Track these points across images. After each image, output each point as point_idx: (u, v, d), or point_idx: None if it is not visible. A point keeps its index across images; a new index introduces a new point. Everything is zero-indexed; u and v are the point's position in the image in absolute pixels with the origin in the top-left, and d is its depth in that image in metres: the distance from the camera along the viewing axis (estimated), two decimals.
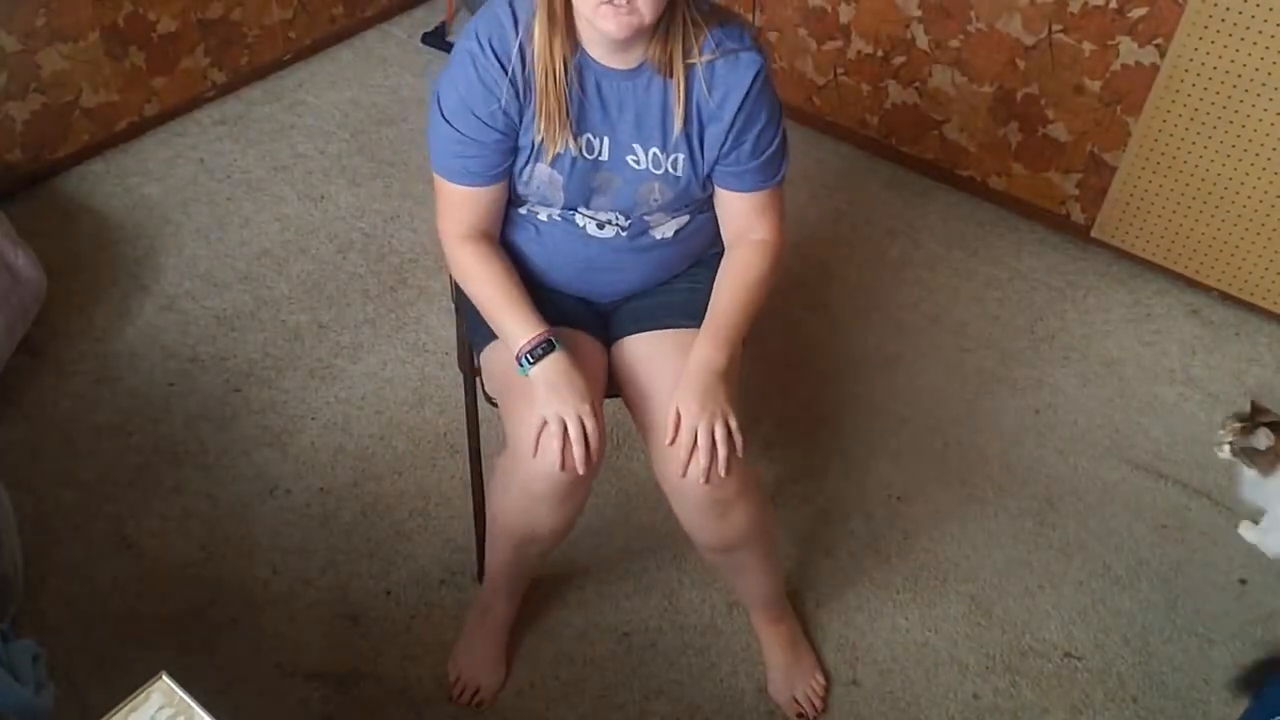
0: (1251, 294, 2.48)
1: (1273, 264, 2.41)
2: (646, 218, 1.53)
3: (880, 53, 2.77)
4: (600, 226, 1.53)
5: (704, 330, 1.49)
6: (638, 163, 1.46)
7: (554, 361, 1.43)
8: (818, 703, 1.79)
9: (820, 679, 1.81)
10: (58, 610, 1.85)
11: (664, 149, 1.46)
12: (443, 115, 1.44)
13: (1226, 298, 2.54)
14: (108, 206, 2.65)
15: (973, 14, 2.56)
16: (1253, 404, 1.92)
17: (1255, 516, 2.05)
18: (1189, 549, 2.06)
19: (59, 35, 2.56)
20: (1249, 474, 1.92)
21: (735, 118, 1.43)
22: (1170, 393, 2.36)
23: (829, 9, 2.79)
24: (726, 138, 1.45)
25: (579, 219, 1.53)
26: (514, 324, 1.46)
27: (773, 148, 1.48)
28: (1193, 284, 2.57)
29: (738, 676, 1.83)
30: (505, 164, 1.46)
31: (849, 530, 2.06)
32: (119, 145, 2.82)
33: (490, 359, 1.60)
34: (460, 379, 1.84)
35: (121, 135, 2.81)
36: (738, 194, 1.52)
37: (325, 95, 3.07)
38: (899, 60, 2.75)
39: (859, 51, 2.81)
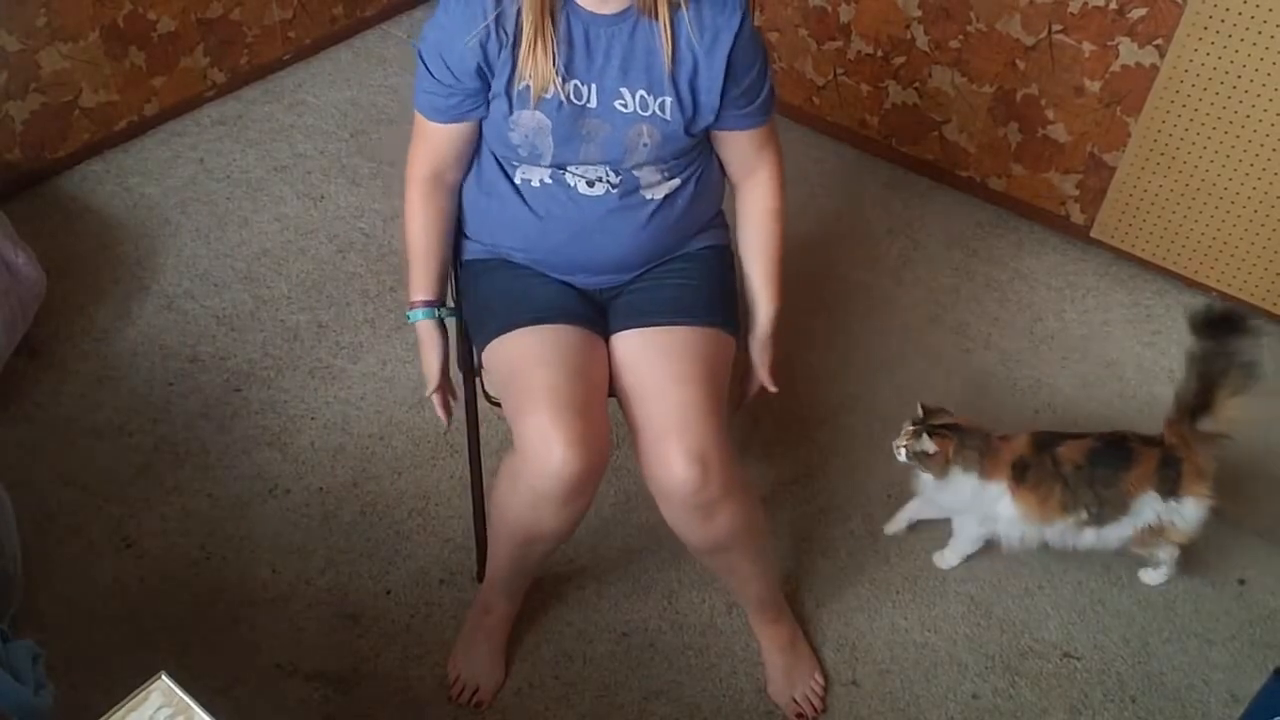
0: (1251, 295, 2.48)
1: (1272, 265, 2.41)
2: (636, 173, 1.55)
3: (880, 53, 2.78)
4: (590, 184, 1.54)
5: (760, 289, 1.69)
6: (625, 106, 1.48)
7: (425, 325, 1.65)
8: (817, 703, 1.79)
9: (819, 679, 1.81)
10: (57, 610, 1.85)
11: (650, 91, 1.48)
12: (421, 53, 1.49)
13: (1227, 299, 2.53)
14: (107, 206, 2.66)
15: (973, 14, 2.57)
16: (923, 406, 1.86)
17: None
18: (1188, 549, 2.05)
19: (59, 34, 2.56)
20: (926, 478, 1.84)
21: (730, 61, 1.47)
22: (1169, 393, 2.34)
23: (829, 9, 2.79)
24: (726, 83, 1.49)
25: (569, 178, 1.54)
26: (420, 277, 1.64)
27: (767, 88, 1.55)
28: (1192, 284, 2.57)
29: (737, 677, 1.83)
30: (470, 107, 1.51)
31: (849, 530, 2.06)
32: (119, 145, 2.82)
33: (493, 357, 1.60)
34: (460, 379, 1.84)
35: (121, 135, 2.81)
36: (740, 132, 1.59)
37: (325, 95, 3.07)
38: (899, 60, 2.75)
39: (859, 52, 2.81)
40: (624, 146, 1.50)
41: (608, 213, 1.56)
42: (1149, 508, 1.82)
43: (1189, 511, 1.82)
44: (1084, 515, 1.82)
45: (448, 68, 1.46)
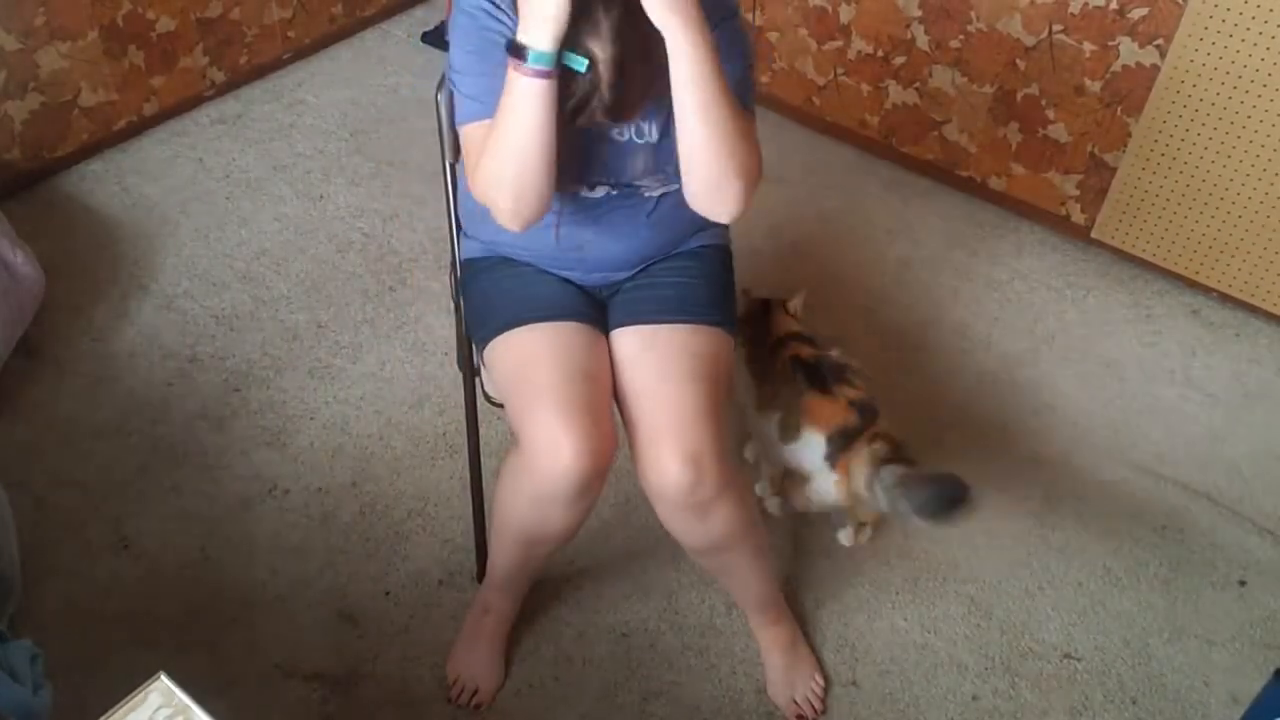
0: (1252, 295, 2.48)
1: (1273, 265, 2.41)
2: (637, 182, 1.55)
3: (881, 53, 2.77)
4: (591, 188, 1.54)
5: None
6: (621, 135, 1.48)
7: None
8: (817, 704, 1.79)
9: (819, 680, 1.81)
10: (56, 610, 1.85)
11: (645, 117, 1.47)
12: (458, 67, 1.44)
13: (1227, 298, 2.53)
14: (106, 206, 2.65)
15: (973, 14, 2.56)
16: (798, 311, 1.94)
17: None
18: (1188, 550, 2.05)
19: (58, 34, 2.56)
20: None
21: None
22: (1170, 393, 2.36)
23: (829, 9, 2.79)
24: None
25: (570, 184, 1.54)
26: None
27: (739, 77, 1.44)
28: (1193, 285, 2.57)
29: (737, 677, 1.83)
30: None
31: None
32: (118, 145, 2.81)
33: (495, 355, 1.59)
34: (459, 378, 1.84)
35: (120, 135, 2.81)
36: None
37: (324, 95, 3.07)
38: (899, 60, 2.75)
39: (859, 52, 2.81)
40: (622, 167, 1.51)
41: (608, 209, 1.56)
42: (812, 449, 1.78)
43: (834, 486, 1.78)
44: (775, 419, 1.81)
45: (491, 55, 1.39)
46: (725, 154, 1.39)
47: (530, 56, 1.30)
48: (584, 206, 1.56)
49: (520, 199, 1.40)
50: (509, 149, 1.37)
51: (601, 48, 1.32)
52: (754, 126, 1.51)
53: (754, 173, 1.44)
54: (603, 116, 1.39)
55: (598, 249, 1.60)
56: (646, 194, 1.57)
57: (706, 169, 1.41)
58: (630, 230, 1.59)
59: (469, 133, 1.46)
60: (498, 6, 1.41)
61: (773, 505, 2.02)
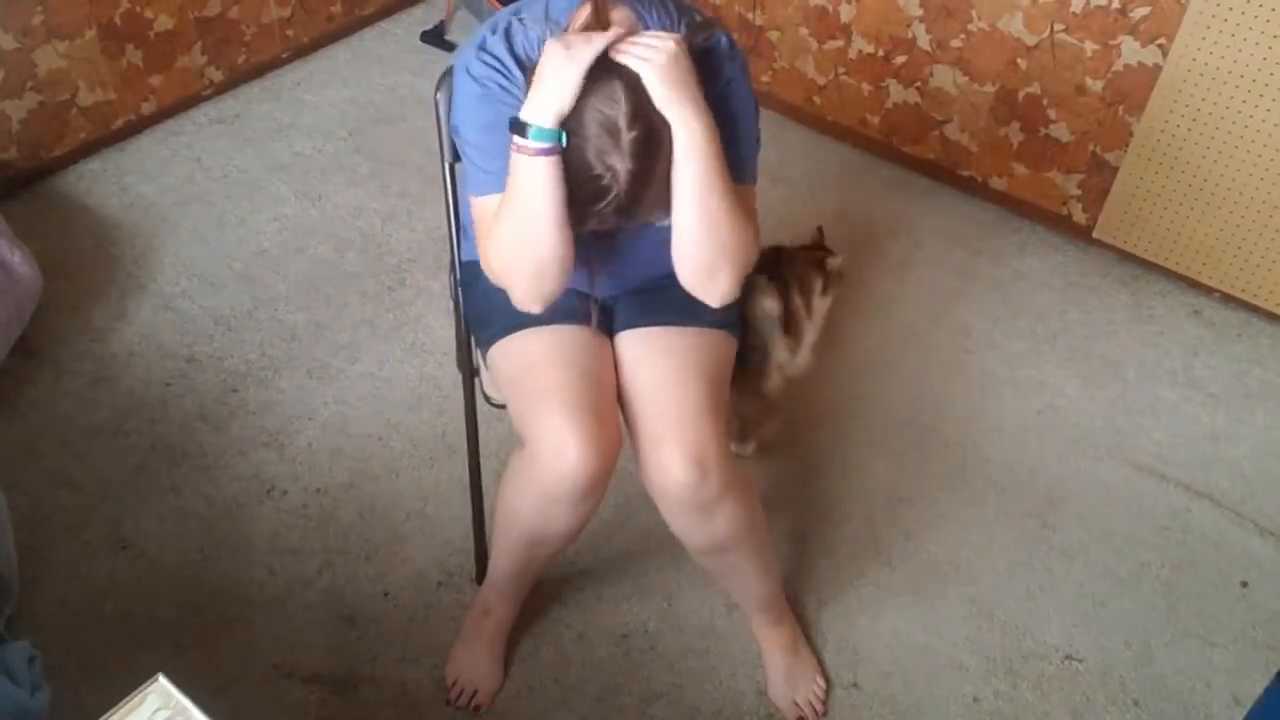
0: (1254, 295, 2.47)
1: (1275, 265, 2.40)
2: (648, 222, 1.53)
3: (881, 52, 2.77)
4: (601, 220, 1.53)
5: None
6: None
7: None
8: (818, 706, 1.78)
9: (821, 682, 1.80)
10: (53, 611, 1.84)
11: None
12: (469, 139, 1.44)
13: (1229, 299, 2.53)
14: (104, 206, 2.64)
15: (974, 13, 2.56)
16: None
17: None
18: (1191, 551, 2.05)
19: (56, 33, 2.55)
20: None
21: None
22: (1172, 394, 2.35)
23: (830, 8, 2.78)
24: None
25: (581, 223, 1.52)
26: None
27: (735, 154, 1.43)
28: (1195, 285, 2.56)
29: (737, 679, 1.82)
30: None
31: (850, 532, 2.05)
32: (116, 144, 2.81)
33: (499, 356, 1.58)
34: (459, 379, 1.83)
35: (118, 134, 2.80)
36: None
37: (323, 94, 3.06)
38: (900, 60, 2.74)
39: (860, 51, 2.80)
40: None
41: (618, 240, 1.55)
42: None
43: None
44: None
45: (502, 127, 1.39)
46: (716, 243, 1.40)
47: (533, 133, 1.30)
48: (594, 237, 1.54)
49: (540, 280, 1.39)
50: (521, 235, 1.37)
51: (622, 161, 1.31)
52: (753, 199, 1.50)
53: (745, 258, 1.44)
54: (614, 217, 1.37)
55: (605, 273, 1.59)
56: (657, 223, 1.56)
57: (697, 255, 1.41)
58: (639, 255, 1.58)
59: (481, 205, 1.45)
60: (508, 78, 1.40)
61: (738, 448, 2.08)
